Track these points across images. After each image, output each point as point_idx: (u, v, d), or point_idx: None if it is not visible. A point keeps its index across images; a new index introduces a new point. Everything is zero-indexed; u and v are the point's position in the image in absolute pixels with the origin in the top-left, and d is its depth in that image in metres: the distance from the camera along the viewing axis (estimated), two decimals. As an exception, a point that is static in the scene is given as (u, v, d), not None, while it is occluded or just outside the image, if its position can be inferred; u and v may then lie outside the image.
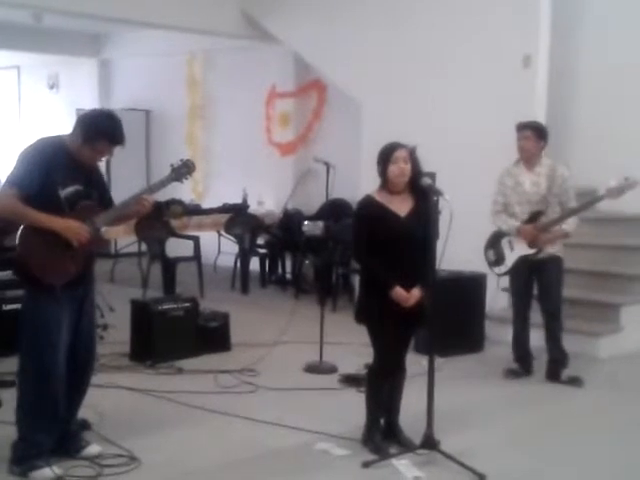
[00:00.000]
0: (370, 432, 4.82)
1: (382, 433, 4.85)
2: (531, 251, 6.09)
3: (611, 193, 5.84)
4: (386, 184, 4.67)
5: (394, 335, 4.69)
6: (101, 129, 4.28)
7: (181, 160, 4.64)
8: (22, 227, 4.20)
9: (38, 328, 4.27)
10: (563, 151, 6.23)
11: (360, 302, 4.84)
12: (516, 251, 6.17)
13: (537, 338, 6.37)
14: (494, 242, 6.35)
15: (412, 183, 4.65)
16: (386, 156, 4.63)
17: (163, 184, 4.56)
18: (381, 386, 4.81)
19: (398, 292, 4.56)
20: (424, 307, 4.63)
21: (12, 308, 6.26)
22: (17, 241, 4.21)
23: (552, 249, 6.13)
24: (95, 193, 4.45)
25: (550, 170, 6.12)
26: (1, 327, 6.13)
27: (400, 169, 4.60)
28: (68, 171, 4.27)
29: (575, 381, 6.19)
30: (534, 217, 6.10)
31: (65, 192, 4.24)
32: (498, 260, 6.33)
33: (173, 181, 4.59)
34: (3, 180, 4.33)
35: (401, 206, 4.67)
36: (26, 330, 4.34)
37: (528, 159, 6.16)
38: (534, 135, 6.13)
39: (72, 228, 4.23)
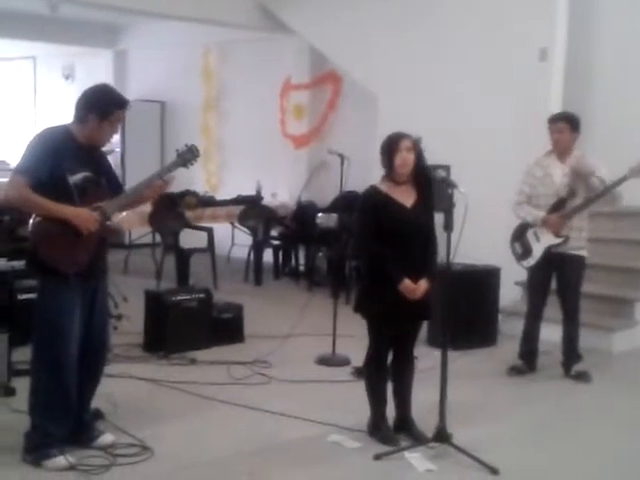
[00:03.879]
0: (375, 422, 4.84)
1: (394, 426, 4.85)
2: (558, 240, 6.03)
3: (634, 173, 5.77)
4: (391, 174, 4.68)
5: (395, 328, 4.70)
6: (111, 100, 4.36)
7: (186, 145, 4.62)
8: (34, 216, 4.22)
9: (50, 318, 4.29)
10: (580, 144, 6.18)
11: (362, 293, 4.83)
12: (542, 242, 6.11)
13: (553, 333, 6.35)
14: (520, 235, 6.26)
15: (415, 174, 4.67)
16: (391, 146, 4.64)
17: (169, 169, 4.54)
18: (381, 376, 4.81)
19: (406, 284, 4.55)
20: (429, 299, 4.64)
21: (27, 297, 6.29)
22: (29, 230, 4.22)
23: (577, 243, 6.06)
24: (104, 179, 4.46)
25: (575, 160, 6.02)
26: (16, 316, 6.15)
27: (403, 158, 4.60)
28: (76, 158, 4.28)
29: (583, 376, 6.16)
30: (558, 205, 6.02)
31: (74, 178, 4.25)
32: (525, 253, 6.22)
33: (179, 166, 4.55)
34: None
35: (406, 196, 4.69)
36: (38, 320, 4.36)
37: (562, 152, 6.07)
38: (568, 127, 6.03)
39: (81, 216, 4.23)
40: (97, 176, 4.39)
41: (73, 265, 4.25)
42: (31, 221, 4.22)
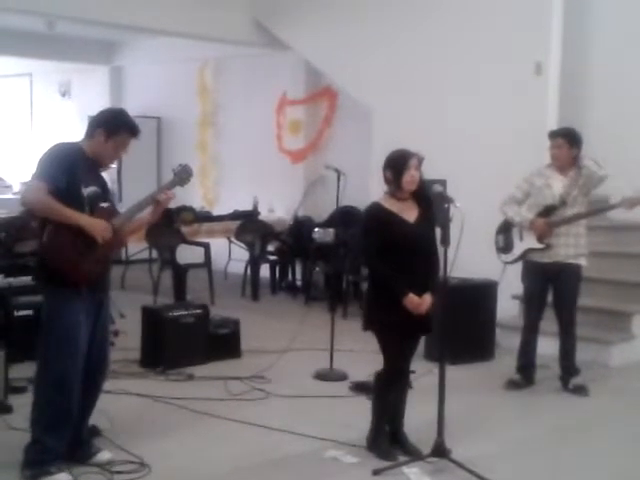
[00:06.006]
0: (376, 438, 4.82)
1: (388, 440, 4.85)
2: (539, 246, 6.05)
3: (625, 203, 5.79)
4: (397, 191, 4.70)
5: (404, 341, 4.71)
6: (122, 122, 4.42)
7: (180, 165, 4.70)
8: (50, 226, 4.23)
9: (58, 331, 4.28)
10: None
11: (369, 310, 4.85)
12: (525, 242, 6.13)
13: (550, 347, 6.35)
14: (506, 229, 6.31)
15: (415, 190, 4.71)
16: (401, 163, 4.66)
17: (168, 188, 4.62)
18: (390, 392, 4.81)
19: (411, 299, 4.56)
20: (431, 313, 4.66)
21: (24, 314, 6.29)
22: (45, 240, 4.23)
23: (575, 250, 6.05)
24: (109, 197, 4.53)
25: (586, 170, 5.98)
26: (14, 333, 6.14)
27: (412, 176, 4.65)
28: (88, 172, 4.36)
29: (580, 390, 6.15)
30: (547, 211, 6.04)
31: (87, 191, 4.31)
32: (506, 247, 6.28)
33: (176, 185, 4.64)
34: (16, 187, 4.36)
35: (409, 212, 4.72)
36: (46, 333, 4.35)
37: (561, 168, 6.08)
38: (567, 143, 6.01)
39: (98, 225, 4.29)
40: (105, 192, 4.48)
41: (87, 276, 4.29)
42: (47, 231, 4.22)
